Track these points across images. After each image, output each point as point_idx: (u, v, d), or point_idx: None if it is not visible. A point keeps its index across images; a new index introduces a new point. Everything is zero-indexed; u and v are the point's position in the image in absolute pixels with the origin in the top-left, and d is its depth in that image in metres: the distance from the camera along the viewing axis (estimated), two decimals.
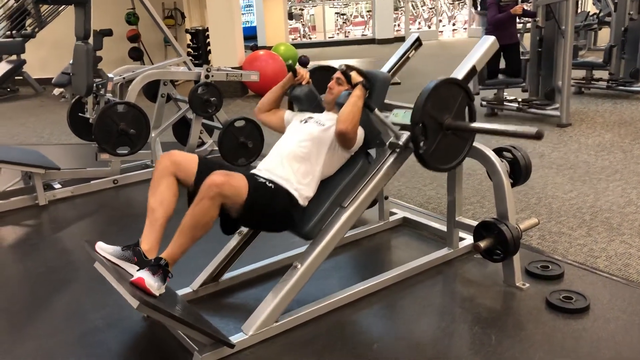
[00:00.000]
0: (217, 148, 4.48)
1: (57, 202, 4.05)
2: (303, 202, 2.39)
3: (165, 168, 2.31)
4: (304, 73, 2.69)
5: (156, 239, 2.24)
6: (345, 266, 2.96)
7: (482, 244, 2.53)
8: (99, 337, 2.36)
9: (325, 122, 2.53)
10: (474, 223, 2.71)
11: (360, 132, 2.51)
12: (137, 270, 2.09)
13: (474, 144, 2.58)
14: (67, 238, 3.57)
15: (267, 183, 2.33)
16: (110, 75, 4.18)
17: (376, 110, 2.45)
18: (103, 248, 2.23)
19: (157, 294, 2.03)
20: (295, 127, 2.60)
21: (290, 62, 2.62)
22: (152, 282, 2.01)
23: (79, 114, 4.36)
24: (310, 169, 2.43)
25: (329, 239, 2.36)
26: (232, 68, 5.55)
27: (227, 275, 2.72)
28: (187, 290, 2.61)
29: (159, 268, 2.08)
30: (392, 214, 3.41)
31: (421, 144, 2.31)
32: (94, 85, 4.23)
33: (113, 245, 2.25)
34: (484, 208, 3.59)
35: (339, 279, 2.78)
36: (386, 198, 3.27)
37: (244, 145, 4.34)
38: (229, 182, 2.13)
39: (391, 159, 2.51)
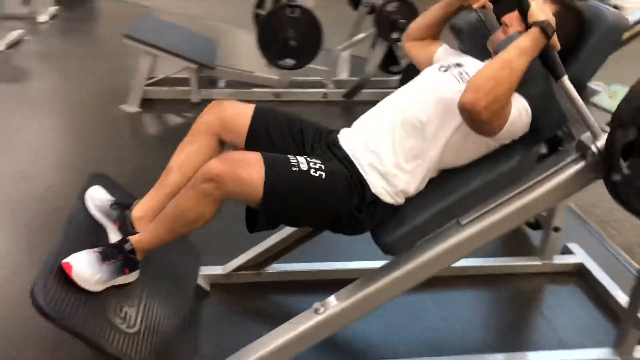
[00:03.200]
0: None
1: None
2: (393, 198, 1.48)
3: (208, 123, 1.61)
4: None
5: (153, 209, 1.62)
6: (440, 313, 1.97)
7: None
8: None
9: None
10: None
11: (522, 116, 1.42)
12: (118, 241, 1.53)
13: None
14: None
15: (310, 171, 1.44)
16: None
17: (565, 79, 1.34)
18: (93, 196, 1.70)
19: (95, 290, 1.45)
20: (427, 76, 1.61)
21: None
22: (87, 273, 1.41)
23: (257, 9, 3.84)
24: (421, 148, 1.47)
25: (412, 267, 1.46)
26: None
27: (274, 267, 2.03)
28: (217, 269, 2.01)
29: (119, 254, 1.48)
30: (566, 251, 2.24)
31: (622, 163, 1.28)
32: None
33: None
34: None
35: (413, 333, 1.87)
36: (556, 230, 2.11)
37: None
38: (235, 173, 1.34)
39: (573, 169, 1.41)
